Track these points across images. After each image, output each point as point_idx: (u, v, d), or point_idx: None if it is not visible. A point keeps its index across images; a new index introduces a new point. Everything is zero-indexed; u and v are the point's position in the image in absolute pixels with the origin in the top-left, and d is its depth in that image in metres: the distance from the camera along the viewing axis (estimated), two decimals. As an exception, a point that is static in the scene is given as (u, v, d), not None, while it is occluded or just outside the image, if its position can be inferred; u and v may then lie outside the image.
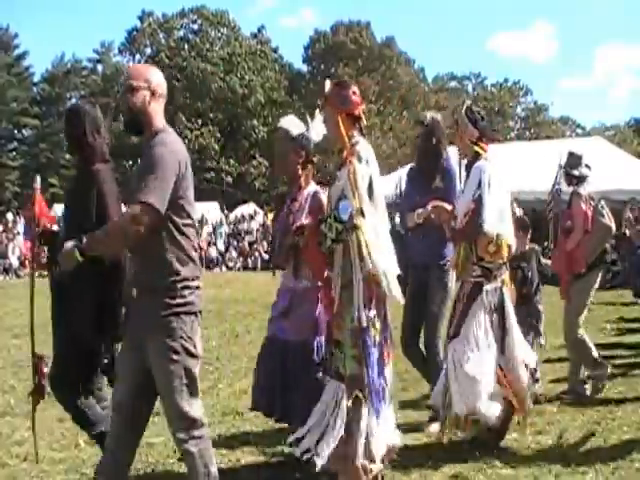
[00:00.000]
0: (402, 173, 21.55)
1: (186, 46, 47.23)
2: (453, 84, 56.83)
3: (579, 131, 55.38)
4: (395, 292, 3.24)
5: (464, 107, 4.25)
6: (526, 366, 4.09)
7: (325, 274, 3.30)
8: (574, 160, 5.56)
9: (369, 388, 3.17)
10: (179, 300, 2.79)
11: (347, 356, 3.18)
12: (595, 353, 5.29)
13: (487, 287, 3.97)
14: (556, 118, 56.38)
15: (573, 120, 58.58)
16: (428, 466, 3.77)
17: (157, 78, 3.00)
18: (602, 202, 5.41)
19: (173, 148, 2.94)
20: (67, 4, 73.69)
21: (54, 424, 4.57)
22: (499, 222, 3.97)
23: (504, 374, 3.98)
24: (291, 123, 3.93)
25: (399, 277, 3.68)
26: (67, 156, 47.11)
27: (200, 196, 28.00)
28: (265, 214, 26.71)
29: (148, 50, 48.75)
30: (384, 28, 63.22)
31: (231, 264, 21.77)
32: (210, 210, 26.57)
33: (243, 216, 25.65)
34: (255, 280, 16.65)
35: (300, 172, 3.83)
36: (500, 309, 3.99)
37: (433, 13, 78.60)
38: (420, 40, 79.31)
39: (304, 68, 49.77)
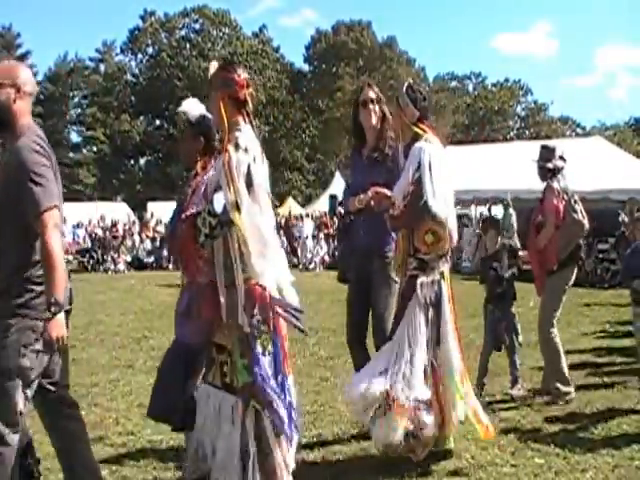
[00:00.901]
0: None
1: (188, 45, 47.29)
2: (454, 84, 56.86)
3: (579, 131, 55.37)
4: (289, 297, 3.01)
5: (405, 86, 3.98)
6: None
7: (201, 272, 2.95)
8: (547, 153, 5.32)
9: (275, 403, 2.89)
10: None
11: (237, 366, 2.90)
12: (564, 365, 5.06)
13: (422, 280, 3.70)
14: (556, 117, 56.42)
15: (573, 120, 58.64)
16: (428, 463, 3.78)
17: (24, 76, 2.89)
18: (575, 197, 5.21)
19: (36, 149, 2.82)
20: (69, 4, 73.78)
21: (57, 421, 4.59)
22: (444, 208, 3.68)
23: (434, 381, 3.71)
24: (192, 107, 3.60)
25: (345, 266, 3.64)
26: (70, 154, 47.27)
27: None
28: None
29: (150, 49, 48.83)
30: (385, 28, 63.59)
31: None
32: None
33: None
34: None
35: (198, 158, 3.55)
36: (437, 304, 3.72)
37: (434, 13, 78.68)
38: (421, 40, 79.51)
39: (305, 67, 49.82)
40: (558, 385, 4.98)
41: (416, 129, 3.86)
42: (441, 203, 3.65)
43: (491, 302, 5.34)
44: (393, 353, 3.68)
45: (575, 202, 5.13)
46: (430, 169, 3.64)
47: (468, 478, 3.59)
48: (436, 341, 3.72)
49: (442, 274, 3.77)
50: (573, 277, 5.17)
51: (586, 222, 5.13)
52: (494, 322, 5.29)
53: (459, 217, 20.82)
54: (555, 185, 5.15)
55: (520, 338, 5.30)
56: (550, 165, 5.22)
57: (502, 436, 4.22)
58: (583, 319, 9.14)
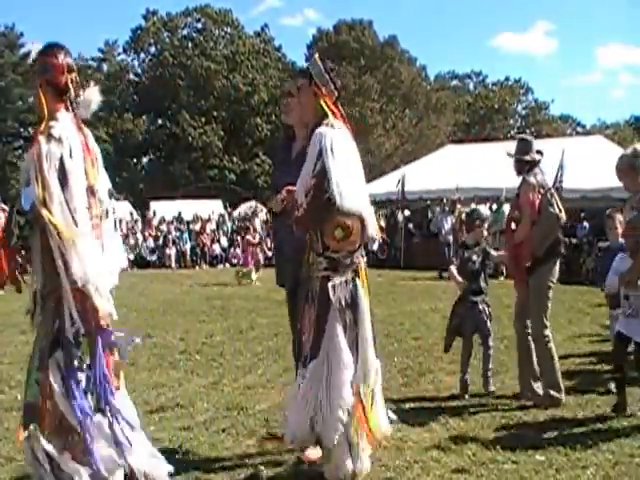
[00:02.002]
0: (404, 171, 21.52)
1: (190, 45, 47.27)
2: (455, 82, 56.86)
3: (579, 129, 55.36)
4: (102, 306, 2.76)
5: (319, 60, 3.39)
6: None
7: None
8: (525, 146, 5.16)
9: (80, 424, 2.61)
10: None
11: (30, 380, 2.66)
12: (558, 370, 4.90)
13: (335, 281, 3.29)
14: (556, 116, 56.40)
15: (573, 118, 58.65)
16: (430, 461, 3.80)
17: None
18: (552, 191, 5.12)
19: None
20: (72, 3, 73.83)
21: (61, 419, 4.62)
22: (355, 198, 3.27)
23: (359, 394, 3.35)
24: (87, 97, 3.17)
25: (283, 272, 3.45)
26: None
27: (203, 193, 27.94)
28: (268, 211, 26.78)
29: (152, 49, 48.83)
30: (386, 27, 63.51)
31: (235, 261, 21.82)
32: (213, 207, 26.65)
33: (247, 213, 25.72)
34: (258, 276, 16.71)
35: None
36: (353, 306, 3.33)
37: (435, 12, 78.56)
38: (422, 39, 79.42)
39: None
40: (550, 391, 4.85)
41: (329, 111, 3.35)
42: (350, 193, 3.21)
43: (466, 297, 5.34)
44: (322, 380, 3.26)
45: (551, 196, 5.02)
46: (333, 156, 3.18)
47: (469, 475, 3.60)
48: (355, 347, 3.32)
49: (356, 271, 3.39)
50: (557, 273, 5.00)
51: (563, 215, 5.02)
52: (473, 317, 5.30)
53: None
54: (532, 179, 5.00)
55: (490, 341, 5.34)
56: (528, 157, 5.09)
57: (503, 433, 4.25)
58: (583, 317, 9.15)
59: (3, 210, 13.31)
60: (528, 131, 53.28)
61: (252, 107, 45.88)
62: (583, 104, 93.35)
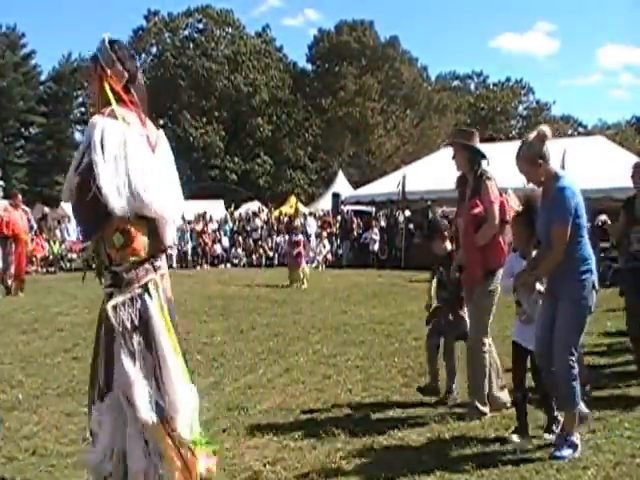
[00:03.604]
0: (405, 172, 21.50)
1: (191, 45, 47.34)
2: (456, 83, 56.90)
3: (581, 130, 55.40)
4: None
5: (105, 37, 2.96)
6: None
7: None
8: (468, 135, 4.72)
9: None
10: None
11: None
12: (486, 383, 4.61)
13: (116, 301, 2.79)
14: (558, 117, 56.39)
15: (575, 119, 58.68)
16: (431, 459, 3.80)
17: None
18: (509, 190, 4.83)
19: None
20: (73, 4, 73.89)
21: (62, 418, 4.63)
22: (140, 199, 2.74)
23: (167, 428, 2.83)
24: None
25: None
26: (74, 154, 47.31)
27: (205, 193, 27.94)
28: (269, 211, 26.81)
29: (154, 49, 48.93)
30: (387, 27, 63.56)
31: (236, 261, 21.84)
32: (215, 208, 26.66)
33: (248, 213, 25.74)
34: (260, 277, 16.71)
35: None
36: (142, 327, 2.81)
37: (436, 12, 78.73)
38: (423, 39, 79.61)
39: (308, 67, 49.85)
40: (476, 403, 4.55)
41: (112, 97, 2.83)
42: (127, 192, 2.70)
43: (437, 307, 5.20)
44: (123, 414, 2.82)
45: (509, 195, 4.77)
46: (103, 150, 2.67)
47: (469, 475, 3.60)
48: (154, 375, 2.81)
49: (146, 287, 2.84)
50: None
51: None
52: (438, 326, 5.14)
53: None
54: (491, 175, 4.63)
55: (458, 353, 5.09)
56: (477, 146, 4.68)
57: (503, 433, 4.24)
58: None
59: (25, 211, 13.49)
60: (529, 131, 53.40)
61: (253, 107, 45.92)
62: (584, 104, 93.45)
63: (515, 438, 4.07)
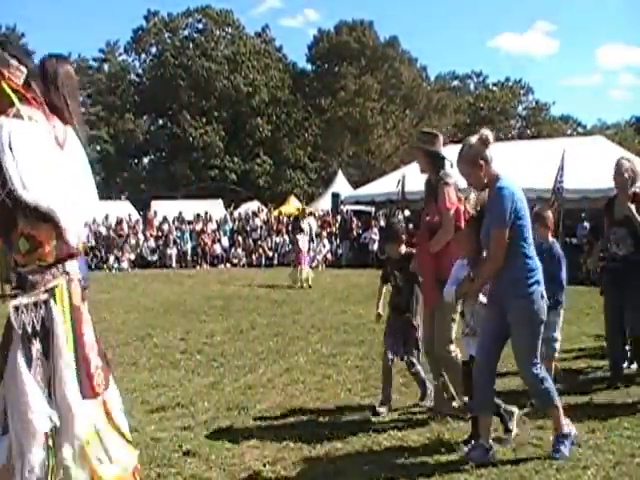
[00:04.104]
0: (405, 171, 21.57)
1: (191, 45, 47.32)
2: (455, 83, 56.94)
3: (580, 130, 55.44)
4: None
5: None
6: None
7: None
8: (432, 137, 4.66)
9: None
10: None
11: None
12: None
13: (18, 302, 2.63)
14: (557, 117, 56.45)
15: (574, 119, 58.71)
16: (430, 459, 3.81)
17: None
18: (471, 196, 4.49)
19: None
20: (73, 4, 73.88)
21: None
22: (48, 202, 2.61)
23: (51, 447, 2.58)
24: None
25: None
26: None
27: (204, 193, 27.95)
28: (269, 211, 26.82)
29: (153, 49, 48.92)
30: (387, 27, 63.57)
31: (235, 261, 21.84)
32: (214, 207, 26.67)
33: (247, 213, 25.75)
34: (259, 277, 16.72)
35: None
36: (43, 333, 2.63)
37: (435, 12, 78.68)
38: (422, 39, 79.53)
39: (308, 67, 49.86)
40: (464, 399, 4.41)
41: (14, 98, 2.66)
42: (40, 196, 2.58)
43: (391, 312, 5.04)
44: (10, 423, 2.58)
45: (467, 199, 4.51)
46: (12, 150, 2.55)
47: (469, 475, 3.60)
48: (48, 385, 2.62)
49: (52, 292, 2.70)
50: None
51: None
52: (392, 331, 4.98)
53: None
54: (450, 179, 4.51)
55: (419, 354, 4.93)
56: (438, 150, 4.59)
57: (502, 433, 4.24)
58: (583, 317, 9.15)
59: None
60: (529, 131, 53.46)
61: (253, 107, 45.92)
62: (583, 105, 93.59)
63: (465, 448, 3.95)
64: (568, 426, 3.92)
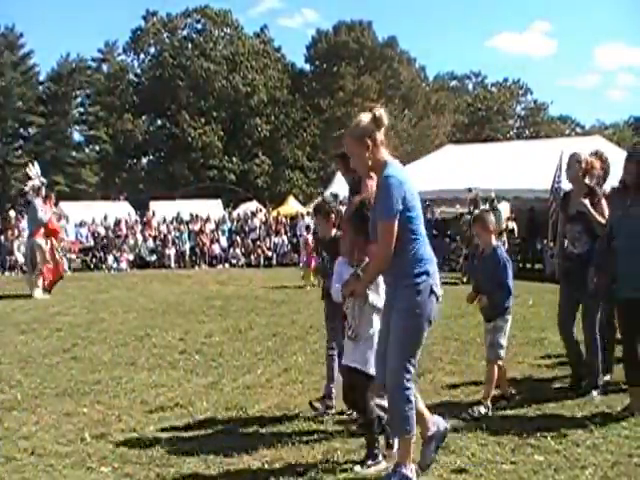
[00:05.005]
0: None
1: (190, 45, 47.37)
2: (454, 83, 56.99)
3: (578, 130, 55.52)
4: None
5: None
6: None
7: None
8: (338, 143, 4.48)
9: None
10: None
11: None
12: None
13: None
14: (555, 117, 56.52)
15: (572, 119, 58.80)
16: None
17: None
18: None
19: None
20: (72, 4, 73.83)
21: (61, 418, 4.63)
22: None
23: None
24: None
25: None
26: (72, 154, 47.38)
27: (203, 194, 27.91)
28: (268, 211, 26.81)
29: (152, 49, 48.94)
30: (385, 28, 63.60)
31: (234, 261, 21.82)
32: (213, 207, 26.65)
33: (246, 213, 25.73)
34: (258, 277, 16.71)
35: None
36: None
37: (434, 13, 78.82)
38: (421, 39, 79.63)
39: (306, 67, 49.89)
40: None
41: None
42: None
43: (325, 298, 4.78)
44: None
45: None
46: None
47: (468, 475, 3.60)
48: None
49: None
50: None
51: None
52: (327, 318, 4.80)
53: (458, 216, 20.93)
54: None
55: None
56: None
57: (502, 433, 4.25)
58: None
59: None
60: (527, 132, 53.51)
61: (251, 108, 45.93)
62: (581, 105, 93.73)
63: (357, 468, 3.65)
64: (411, 468, 3.42)
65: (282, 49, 51.99)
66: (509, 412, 4.72)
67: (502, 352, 4.83)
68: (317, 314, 9.81)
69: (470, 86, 58.20)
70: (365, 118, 3.45)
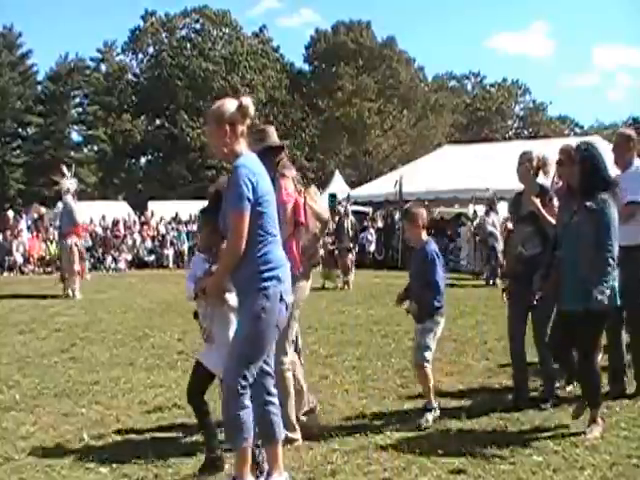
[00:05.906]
0: (402, 172, 21.54)
1: (188, 45, 47.35)
2: (452, 83, 57.03)
3: (577, 130, 55.56)
4: None
5: None
6: None
7: None
8: (259, 134, 4.16)
9: None
10: None
11: None
12: (292, 409, 4.09)
13: None
14: (554, 117, 56.57)
15: (571, 119, 58.85)
16: (428, 461, 3.80)
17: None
18: (312, 187, 4.37)
19: None
20: (70, 3, 73.76)
21: (59, 419, 4.63)
22: None
23: None
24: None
25: None
26: (71, 154, 47.33)
27: (202, 194, 27.94)
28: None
29: (151, 49, 48.90)
30: (384, 28, 63.53)
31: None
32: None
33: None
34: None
35: None
36: None
37: (432, 13, 78.85)
38: (420, 39, 79.64)
39: (305, 67, 49.89)
40: (287, 433, 3.72)
41: None
42: None
43: None
44: None
45: (315, 193, 4.31)
46: None
47: (467, 475, 3.60)
48: None
49: None
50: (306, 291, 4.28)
51: (328, 214, 4.34)
52: None
53: (457, 216, 20.93)
54: (288, 172, 4.10)
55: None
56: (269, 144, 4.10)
57: (500, 434, 4.25)
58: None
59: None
60: (526, 132, 53.57)
61: (250, 107, 45.93)
62: (580, 105, 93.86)
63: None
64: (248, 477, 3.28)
65: (281, 49, 52.06)
66: (508, 412, 4.72)
67: (429, 355, 4.53)
68: (316, 314, 9.81)
69: (469, 86, 58.24)
70: (230, 105, 3.29)
